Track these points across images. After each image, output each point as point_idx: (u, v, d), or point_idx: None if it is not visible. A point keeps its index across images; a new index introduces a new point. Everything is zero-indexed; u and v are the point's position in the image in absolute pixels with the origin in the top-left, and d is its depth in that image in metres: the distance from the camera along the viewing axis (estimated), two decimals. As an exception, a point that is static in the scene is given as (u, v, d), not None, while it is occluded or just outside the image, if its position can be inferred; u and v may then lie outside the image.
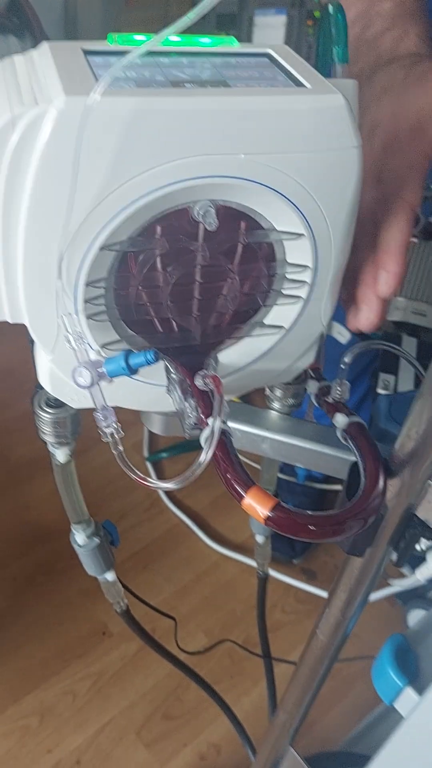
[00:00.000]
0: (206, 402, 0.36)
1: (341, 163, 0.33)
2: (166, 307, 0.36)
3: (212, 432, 0.34)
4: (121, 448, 0.35)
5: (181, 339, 0.39)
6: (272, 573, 1.29)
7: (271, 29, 1.97)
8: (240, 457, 0.35)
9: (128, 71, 0.32)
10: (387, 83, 0.43)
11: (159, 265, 0.35)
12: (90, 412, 0.37)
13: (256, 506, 0.32)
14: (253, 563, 1.04)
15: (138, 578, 1.27)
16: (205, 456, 0.34)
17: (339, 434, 0.42)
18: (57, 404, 0.41)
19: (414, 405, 0.35)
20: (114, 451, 0.35)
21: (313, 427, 0.48)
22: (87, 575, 0.55)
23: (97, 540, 0.52)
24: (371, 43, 0.49)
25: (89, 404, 0.35)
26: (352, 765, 0.75)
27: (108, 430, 0.34)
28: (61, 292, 0.32)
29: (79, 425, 0.43)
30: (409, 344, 0.72)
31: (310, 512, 0.33)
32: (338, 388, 0.44)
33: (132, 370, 0.33)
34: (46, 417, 0.42)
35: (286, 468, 1.38)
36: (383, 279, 0.39)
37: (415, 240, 0.67)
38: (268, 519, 0.32)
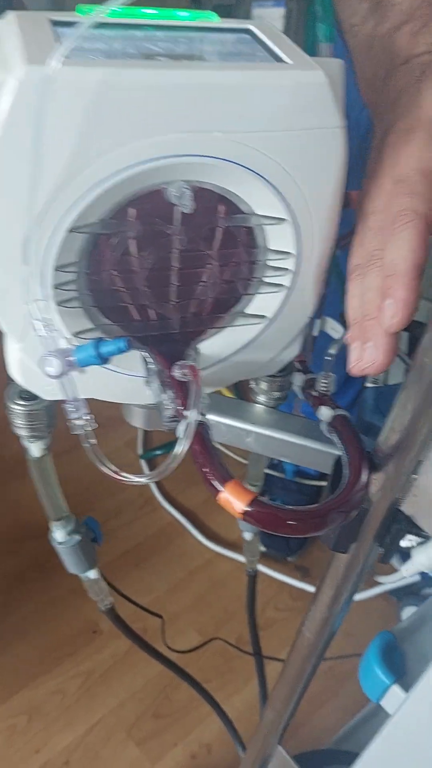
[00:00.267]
0: (185, 393, 0.34)
1: (324, 143, 0.32)
2: (142, 294, 0.35)
3: (188, 424, 0.32)
4: (93, 441, 0.33)
5: (159, 327, 0.37)
6: (266, 570, 1.28)
7: (268, 21, 1.95)
8: (229, 453, 0.33)
9: (98, 43, 0.30)
10: (403, 85, 0.38)
11: (133, 249, 0.33)
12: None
13: (233, 501, 0.31)
14: (246, 560, 1.03)
15: (130, 575, 1.25)
16: (180, 448, 0.32)
17: (323, 427, 0.40)
18: (30, 396, 0.40)
19: (398, 396, 0.33)
20: (85, 444, 0.33)
21: (299, 421, 0.46)
22: (78, 573, 0.54)
23: (77, 537, 0.50)
24: (386, 40, 0.42)
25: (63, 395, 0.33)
26: (340, 763, 0.74)
27: (79, 423, 0.33)
28: (28, 276, 0.31)
29: (54, 418, 0.42)
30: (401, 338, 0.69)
31: (290, 506, 0.32)
32: (324, 381, 0.43)
33: (103, 359, 0.32)
34: (18, 410, 0.40)
35: (279, 465, 1.36)
36: (389, 308, 0.32)
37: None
38: (245, 513, 0.31)
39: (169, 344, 0.38)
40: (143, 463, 1.49)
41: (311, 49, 0.37)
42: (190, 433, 0.32)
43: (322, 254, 0.36)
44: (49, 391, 0.38)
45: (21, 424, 0.41)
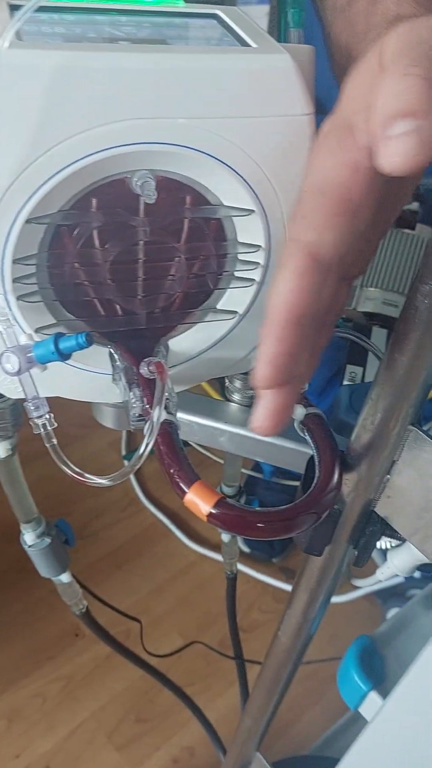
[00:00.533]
0: (152, 391, 0.33)
1: (291, 131, 0.31)
2: (107, 288, 0.34)
3: (152, 422, 0.31)
4: (54, 441, 0.32)
5: (125, 323, 0.36)
6: (250, 572, 1.27)
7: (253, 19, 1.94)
8: (207, 453, 0.32)
9: (58, 27, 0.29)
10: (374, 27, 0.34)
11: (96, 242, 0.32)
12: (57, 404, 0.34)
13: (199, 502, 0.30)
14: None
15: (113, 577, 1.24)
16: (143, 448, 0.31)
17: (296, 426, 0.39)
18: (-6, 394, 0.39)
19: (369, 393, 0.32)
20: (47, 444, 0.32)
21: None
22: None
23: (48, 540, 0.49)
24: (370, 12, 0.35)
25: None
26: (322, 769, 0.73)
27: (40, 422, 0.32)
28: (-18, 269, 0.29)
29: (20, 416, 0.41)
30: (379, 336, 0.69)
31: (260, 508, 0.31)
32: (298, 378, 0.42)
33: (63, 355, 0.30)
34: (-19, 408, 0.39)
35: (257, 465, 1.35)
36: (256, 363, 0.25)
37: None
38: (210, 516, 0.30)
39: (137, 341, 0.36)
40: (126, 464, 1.47)
41: (284, 37, 0.36)
42: (153, 432, 0.31)
43: (294, 248, 0.35)
44: (12, 389, 0.36)
45: (-16, 423, 0.40)
